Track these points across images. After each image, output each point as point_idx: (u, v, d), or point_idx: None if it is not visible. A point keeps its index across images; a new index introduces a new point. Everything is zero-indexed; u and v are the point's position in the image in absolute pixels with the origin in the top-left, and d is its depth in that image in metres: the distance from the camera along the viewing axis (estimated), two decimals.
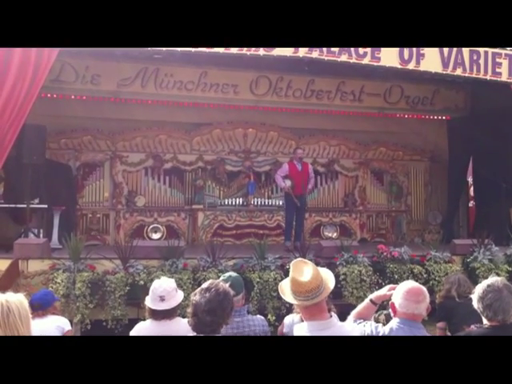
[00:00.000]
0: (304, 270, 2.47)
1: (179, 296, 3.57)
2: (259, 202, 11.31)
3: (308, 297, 2.40)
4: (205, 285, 2.58)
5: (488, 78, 8.33)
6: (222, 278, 3.38)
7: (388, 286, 2.87)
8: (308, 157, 11.31)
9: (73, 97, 9.85)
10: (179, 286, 6.04)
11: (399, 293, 2.65)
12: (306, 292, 2.39)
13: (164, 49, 6.80)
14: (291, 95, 10.93)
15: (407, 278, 6.54)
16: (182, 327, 3.17)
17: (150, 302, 3.52)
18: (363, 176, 12.25)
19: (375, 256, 7.54)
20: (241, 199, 11.29)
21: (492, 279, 2.85)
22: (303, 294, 2.40)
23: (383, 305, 6.77)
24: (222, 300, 2.49)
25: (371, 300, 2.87)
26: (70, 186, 10.18)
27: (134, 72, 9.86)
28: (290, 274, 2.48)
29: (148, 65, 9.76)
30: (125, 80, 9.90)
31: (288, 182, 8.93)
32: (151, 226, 10.77)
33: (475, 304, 2.83)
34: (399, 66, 7.88)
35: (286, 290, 2.53)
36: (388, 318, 3.81)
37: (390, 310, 2.72)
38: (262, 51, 7.12)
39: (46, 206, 8.39)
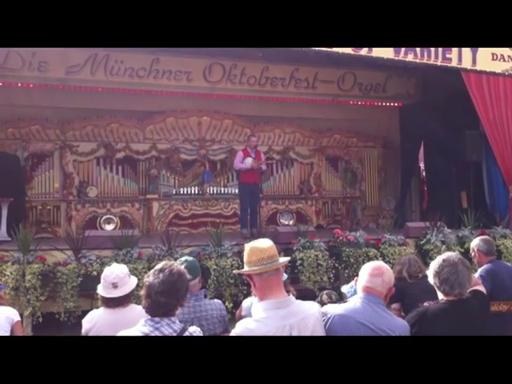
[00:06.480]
0: (261, 240, 2.50)
1: (132, 282, 3.46)
2: (215, 191, 11.22)
3: (270, 262, 2.38)
4: (158, 266, 2.51)
5: (438, 63, 8.53)
6: (177, 261, 3.29)
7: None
8: (263, 144, 11.32)
9: (19, 84, 9.53)
10: (134, 275, 5.90)
11: (364, 270, 2.66)
12: (268, 258, 2.39)
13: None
14: (245, 82, 10.86)
15: (363, 262, 6.60)
16: (136, 314, 3.07)
17: (102, 290, 3.39)
18: (318, 163, 12.32)
19: (331, 240, 7.59)
20: (196, 188, 11.18)
21: (447, 254, 2.87)
22: (265, 260, 2.39)
23: (324, 286, 6.80)
24: (176, 281, 2.42)
25: None
26: (18, 177, 9.85)
27: (83, 58, 9.59)
28: (249, 245, 2.48)
29: (97, 51, 9.49)
30: (73, 67, 9.63)
31: (249, 160, 8.59)
32: (104, 217, 10.53)
33: (431, 279, 2.83)
34: (352, 52, 7.93)
35: (244, 266, 2.49)
36: (330, 297, 3.81)
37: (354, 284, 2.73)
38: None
39: None
